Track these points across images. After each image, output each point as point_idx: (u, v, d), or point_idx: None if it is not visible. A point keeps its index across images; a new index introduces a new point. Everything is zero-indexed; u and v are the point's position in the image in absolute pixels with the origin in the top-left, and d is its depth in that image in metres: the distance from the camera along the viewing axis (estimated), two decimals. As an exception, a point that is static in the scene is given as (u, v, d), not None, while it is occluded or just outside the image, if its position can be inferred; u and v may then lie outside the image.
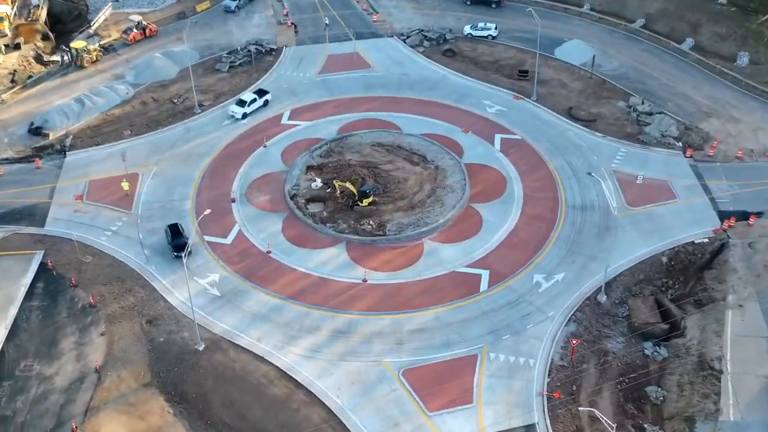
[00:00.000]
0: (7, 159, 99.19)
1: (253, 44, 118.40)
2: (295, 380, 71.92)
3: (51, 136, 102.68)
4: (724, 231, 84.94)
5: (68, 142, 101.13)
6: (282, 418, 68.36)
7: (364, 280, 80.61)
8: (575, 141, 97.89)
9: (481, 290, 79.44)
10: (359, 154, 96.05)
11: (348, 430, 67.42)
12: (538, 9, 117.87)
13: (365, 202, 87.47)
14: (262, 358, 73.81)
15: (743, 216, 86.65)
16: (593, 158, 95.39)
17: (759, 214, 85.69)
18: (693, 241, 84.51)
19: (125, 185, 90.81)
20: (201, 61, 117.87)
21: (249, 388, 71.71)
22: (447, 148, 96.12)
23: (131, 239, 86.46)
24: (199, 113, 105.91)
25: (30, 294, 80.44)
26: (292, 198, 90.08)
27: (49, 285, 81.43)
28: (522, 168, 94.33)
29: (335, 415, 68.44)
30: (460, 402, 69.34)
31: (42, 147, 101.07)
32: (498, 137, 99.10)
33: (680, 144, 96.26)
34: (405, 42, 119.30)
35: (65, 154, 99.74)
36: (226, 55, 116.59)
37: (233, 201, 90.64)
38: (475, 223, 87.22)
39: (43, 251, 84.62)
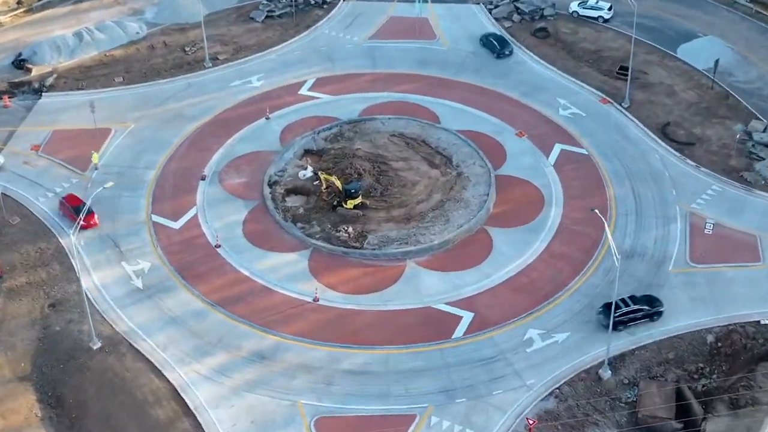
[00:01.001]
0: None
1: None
2: (186, 404, 73.32)
3: (33, 72, 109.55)
4: (808, 314, 79.58)
5: (49, 81, 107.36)
6: (154, 448, 70.61)
7: (315, 299, 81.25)
8: (657, 167, 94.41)
9: (453, 336, 78.41)
10: (371, 144, 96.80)
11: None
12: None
13: (350, 203, 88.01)
14: (159, 370, 75.77)
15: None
16: (670, 193, 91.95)
17: None
18: (759, 321, 79.60)
19: (95, 157, 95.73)
20: (239, 5, 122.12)
21: (132, 405, 74.27)
22: (483, 152, 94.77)
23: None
24: (209, 68, 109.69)
25: None
26: (270, 185, 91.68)
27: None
28: (571, 191, 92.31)
29: (215, 457, 69.81)
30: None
31: (19, 83, 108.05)
32: (558, 147, 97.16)
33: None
34: (491, 12, 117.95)
35: (41, 94, 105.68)
36: (265, 2, 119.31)
37: (203, 179, 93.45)
38: (480, 250, 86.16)
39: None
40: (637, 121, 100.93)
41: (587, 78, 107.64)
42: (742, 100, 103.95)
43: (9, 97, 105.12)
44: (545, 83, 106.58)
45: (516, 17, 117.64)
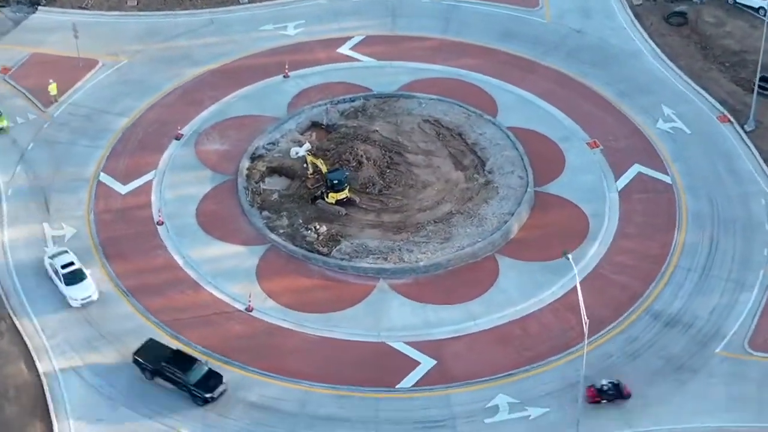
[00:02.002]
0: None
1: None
2: (46, 406, 75.48)
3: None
4: None
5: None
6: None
7: (249, 308, 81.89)
8: (758, 216, 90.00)
9: (398, 386, 77.32)
10: (394, 128, 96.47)
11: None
12: None
13: (332, 197, 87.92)
14: (33, 360, 78.73)
15: None
16: (761, 253, 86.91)
17: None
18: (806, 441, 74.69)
19: (53, 88, 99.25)
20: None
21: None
22: (530, 160, 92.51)
23: (17, 146, 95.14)
24: (245, 3, 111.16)
25: None
26: (252, 159, 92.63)
27: None
28: (629, 227, 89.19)
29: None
30: None
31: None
32: (635, 168, 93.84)
33: None
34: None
35: (36, 8, 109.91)
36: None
37: (177, 138, 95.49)
38: (478, 283, 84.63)
39: None
40: (756, 152, 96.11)
41: (713, 85, 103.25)
42: None
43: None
44: (654, 84, 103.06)
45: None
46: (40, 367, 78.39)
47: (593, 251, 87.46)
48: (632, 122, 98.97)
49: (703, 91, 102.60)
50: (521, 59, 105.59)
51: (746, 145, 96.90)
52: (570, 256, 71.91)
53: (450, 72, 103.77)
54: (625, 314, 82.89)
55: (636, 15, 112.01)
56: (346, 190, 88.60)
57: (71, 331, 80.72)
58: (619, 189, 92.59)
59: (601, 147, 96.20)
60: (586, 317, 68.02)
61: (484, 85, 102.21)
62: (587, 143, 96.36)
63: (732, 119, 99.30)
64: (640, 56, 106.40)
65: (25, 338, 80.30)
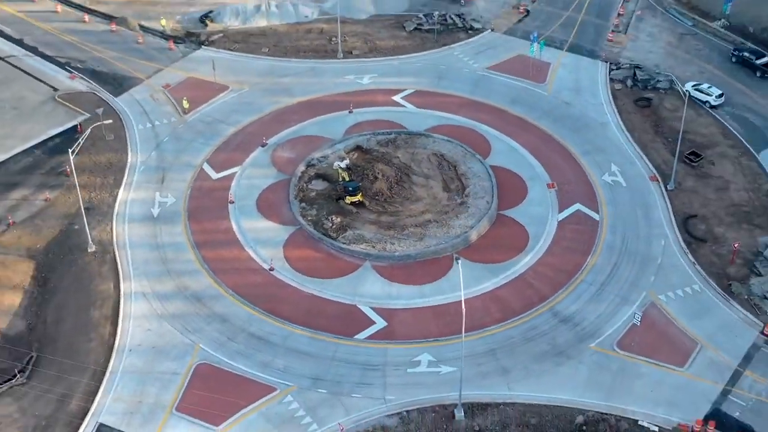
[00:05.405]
0: (160, 32, 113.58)
1: (456, 15, 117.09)
2: (117, 313, 76.21)
3: (207, 28, 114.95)
4: (693, 432, 68.63)
5: (213, 38, 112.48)
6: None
7: (271, 268, 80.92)
8: (654, 252, 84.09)
9: (355, 336, 75.28)
10: (410, 156, 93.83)
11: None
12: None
13: (348, 199, 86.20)
14: (119, 280, 79.99)
15: (734, 429, 68.83)
16: (649, 278, 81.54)
17: (755, 439, 67.49)
18: (637, 421, 69.66)
19: (185, 102, 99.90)
20: (402, 13, 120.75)
21: (84, 302, 78.34)
22: (499, 190, 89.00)
23: (157, 138, 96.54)
24: (339, 59, 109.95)
25: (44, 142, 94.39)
26: (307, 166, 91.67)
27: (63, 143, 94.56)
28: (556, 248, 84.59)
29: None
30: (204, 418, 68.52)
31: (191, 34, 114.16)
32: (576, 206, 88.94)
33: (772, 316, 77.46)
34: (610, 72, 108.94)
35: (201, 46, 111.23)
36: (421, 16, 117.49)
37: (263, 145, 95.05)
38: (434, 273, 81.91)
39: (88, 115, 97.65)
40: (668, 205, 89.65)
41: (653, 153, 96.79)
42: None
43: (175, 43, 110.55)
44: (610, 147, 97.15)
45: (629, 82, 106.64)
46: (122, 288, 78.61)
47: (524, 261, 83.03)
48: (585, 173, 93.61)
49: (645, 157, 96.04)
50: (520, 119, 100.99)
51: (664, 199, 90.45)
52: (459, 261, 68.55)
53: (466, 122, 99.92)
54: (532, 310, 78.51)
55: (613, 96, 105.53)
56: (359, 196, 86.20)
57: (149, 266, 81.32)
58: (559, 219, 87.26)
59: (556, 188, 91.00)
60: (464, 311, 64.45)
61: (487, 134, 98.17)
62: (547, 184, 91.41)
63: (659, 179, 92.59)
64: (608, 126, 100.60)
65: (119, 267, 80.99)
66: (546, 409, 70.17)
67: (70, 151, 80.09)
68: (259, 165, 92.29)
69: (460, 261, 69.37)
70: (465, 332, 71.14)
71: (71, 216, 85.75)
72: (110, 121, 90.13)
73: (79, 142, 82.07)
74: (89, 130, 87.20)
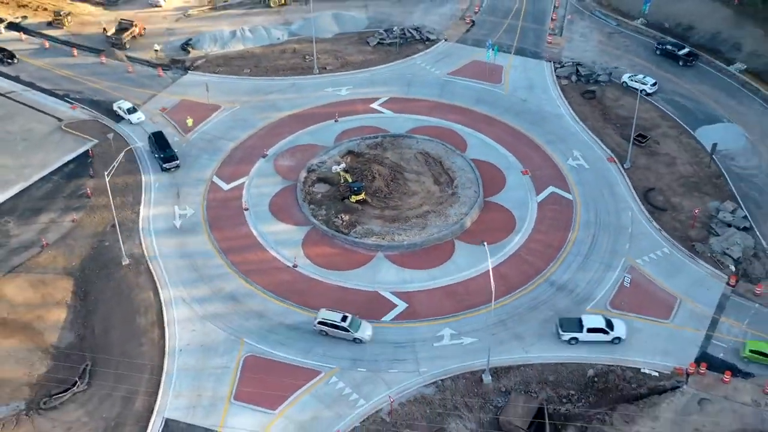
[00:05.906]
0: (147, 61, 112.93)
1: (413, 28, 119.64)
2: (162, 319, 76.66)
3: (190, 54, 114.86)
4: (688, 375, 72.74)
5: (197, 63, 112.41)
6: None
7: (294, 265, 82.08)
8: (624, 223, 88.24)
9: (382, 319, 77.19)
10: (398, 156, 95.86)
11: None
12: (731, 83, 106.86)
13: (353, 198, 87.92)
14: (157, 289, 79.91)
15: (721, 368, 73.24)
16: (624, 246, 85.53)
17: (743, 375, 71.87)
18: (640, 369, 73.51)
19: (189, 121, 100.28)
20: (363, 30, 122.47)
21: (128, 311, 78.56)
22: (483, 181, 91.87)
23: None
24: (316, 74, 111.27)
25: (60, 168, 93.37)
26: (308, 171, 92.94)
27: (77, 168, 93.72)
28: (541, 227, 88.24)
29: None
30: (261, 404, 69.60)
31: (177, 61, 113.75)
32: (550, 189, 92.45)
33: (733, 268, 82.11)
34: (556, 70, 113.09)
35: (188, 71, 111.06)
36: (381, 31, 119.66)
37: (263, 156, 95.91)
38: (440, 257, 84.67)
39: (96, 141, 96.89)
40: (628, 182, 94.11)
41: (607, 138, 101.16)
42: (730, 182, 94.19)
43: (163, 70, 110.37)
44: (570, 136, 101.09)
45: (573, 78, 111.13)
46: (162, 295, 79.05)
47: (516, 240, 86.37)
48: (552, 160, 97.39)
49: (600, 142, 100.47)
50: (486, 116, 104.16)
51: (623, 177, 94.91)
52: (486, 244, 71.40)
53: (440, 122, 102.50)
54: (531, 282, 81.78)
55: (562, 90, 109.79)
56: (363, 194, 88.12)
57: (182, 274, 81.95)
58: (538, 201, 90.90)
59: (530, 174, 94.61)
60: (493, 284, 67.30)
61: (461, 131, 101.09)
62: (521, 171, 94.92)
63: (616, 160, 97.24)
64: (563, 118, 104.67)
65: (155, 277, 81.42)
66: (561, 367, 73.61)
67: (105, 173, 79.97)
68: (264, 174, 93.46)
69: (485, 244, 71.82)
70: (476, 307, 74.58)
71: (99, 234, 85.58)
72: (140, 144, 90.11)
73: (114, 165, 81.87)
74: (122, 153, 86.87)
